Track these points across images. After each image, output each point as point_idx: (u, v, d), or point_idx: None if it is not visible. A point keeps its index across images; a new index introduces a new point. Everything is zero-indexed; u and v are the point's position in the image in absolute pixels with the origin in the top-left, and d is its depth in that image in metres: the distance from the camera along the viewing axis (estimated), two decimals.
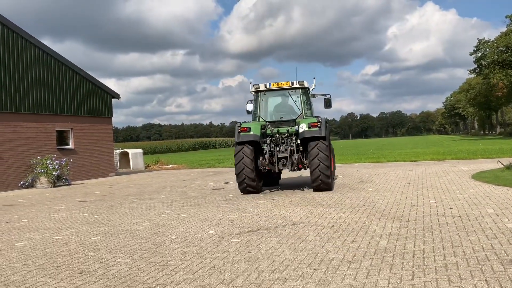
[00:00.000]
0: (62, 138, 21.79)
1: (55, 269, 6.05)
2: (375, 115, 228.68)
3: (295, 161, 12.68)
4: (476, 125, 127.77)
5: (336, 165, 24.00)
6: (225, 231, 7.98)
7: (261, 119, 13.48)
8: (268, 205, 10.80)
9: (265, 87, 13.59)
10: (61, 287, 5.27)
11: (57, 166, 19.24)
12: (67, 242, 7.78)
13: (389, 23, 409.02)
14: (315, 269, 5.46)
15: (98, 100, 23.74)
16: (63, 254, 6.91)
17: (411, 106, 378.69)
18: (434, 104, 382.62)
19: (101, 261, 6.36)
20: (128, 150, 31.04)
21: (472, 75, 74.78)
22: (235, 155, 12.61)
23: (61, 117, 21.40)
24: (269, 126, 13.18)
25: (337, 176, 17.18)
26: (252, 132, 12.49)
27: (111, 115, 24.68)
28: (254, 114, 13.67)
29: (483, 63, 63.78)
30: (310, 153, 12.23)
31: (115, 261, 6.35)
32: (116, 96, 25.04)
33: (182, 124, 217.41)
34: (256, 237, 7.35)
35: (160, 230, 8.38)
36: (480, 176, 14.56)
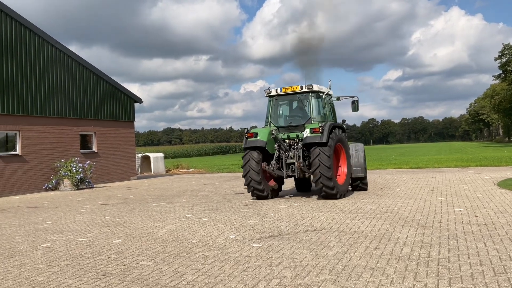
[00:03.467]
0: (85, 141, 22.15)
1: (78, 271, 6.13)
2: (397, 121, 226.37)
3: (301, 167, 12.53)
4: (500, 132, 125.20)
5: None
6: (246, 236, 7.97)
7: (272, 124, 13.42)
8: (289, 210, 10.76)
9: (276, 92, 13.44)
10: None
11: (80, 169, 19.55)
12: (90, 244, 7.88)
13: (413, 29, 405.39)
14: (337, 276, 5.41)
15: (121, 105, 24.06)
16: (87, 256, 7.00)
17: (434, 112, 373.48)
18: (458, 110, 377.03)
19: (123, 264, 6.42)
20: (149, 154, 31.37)
21: (497, 81, 73.44)
22: (242, 158, 12.76)
23: (85, 121, 21.76)
24: (274, 131, 12.65)
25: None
26: (258, 138, 12.54)
27: (133, 119, 24.98)
28: (266, 119, 13.64)
29: (508, 68, 62.60)
30: (311, 160, 11.96)
31: (138, 263, 6.40)
32: (139, 100, 25.34)
33: (203, 128, 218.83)
34: (277, 243, 7.32)
35: (181, 234, 8.42)
36: (506, 184, 14.24)
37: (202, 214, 10.81)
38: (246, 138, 12.77)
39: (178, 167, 32.80)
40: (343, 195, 12.54)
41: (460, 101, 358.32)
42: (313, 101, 13.17)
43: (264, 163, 12.49)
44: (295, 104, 13.84)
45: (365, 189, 14.10)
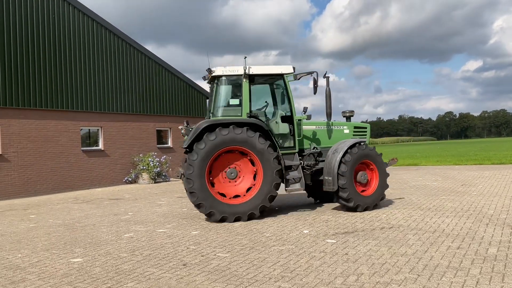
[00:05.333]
0: (161, 137, 23.06)
1: (160, 260, 6.41)
2: (476, 114, 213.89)
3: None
4: None
5: (435, 167, 22.81)
6: (320, 231, 7.91)
7: None
8: None
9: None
10: (166, 278, 5.56)
11: (157, 163, 20.41)
12: (169, 235, 8.20)
13: (495, 16, 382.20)
14: (418, 275, 5.22)
15: (194, 101, 24.78)
16: (167, 246, 7.29)
17: None
18: None
19: (202, 255, 6.61)
20: None
21: None
22: None
23: (161, 117, 22.63)
24: (183, 128, 10.28)
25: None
26: (186, 137, 9.96)
27: (205, 115, 25.58)
28: None
29: None
30: None
31: (215, 255, 6.57)
32: None
33: None
34: (353, 239, 7.20)
35: (255, 227, 8.53)
36: None
37: (274, 208, 10.87)
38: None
39: None
40: (235, 218, 9.17)
41: None
42: (217, 89, 10.08)
43: (170, 169, 10.10)
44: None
45: (351, 209, 9.72)
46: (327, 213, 9.75)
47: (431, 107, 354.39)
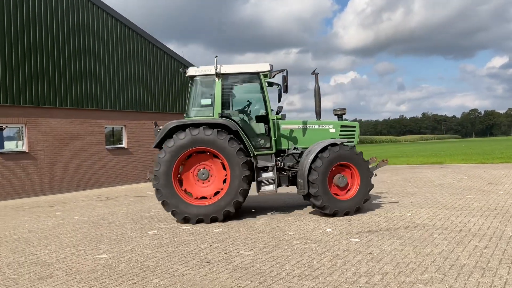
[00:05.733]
0: None
1: (184, 257, 6.46)
2: (502, 111, 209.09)
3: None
4: None
5: (460, 165, 22.42)
6: (343, 230, 7.87)
7: None
8: (386, 205, 10.43)
9: None
10: (190, 274, 5.61)
11: None
12: (193, 232, 8.26)
13: None
14: (444, 275, 5.14)
15: None
16: (190, 243, 7.35)
17: None
18: None
19: (225, 252, 6.65)
20: None
21: None
22: None
23: (181, 115, 22.78)
24: (156, 127, 10.33)
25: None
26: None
27: None
28: None
29: None
30: None
31: (238, 252, 6.59)
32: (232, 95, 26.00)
33: None
34: (377, 238, 7.13)
35: (277, 226, 8.53)
36: None
37: (297, 206, 10.84)
38: None
39: None
40: (211, 218, 9.04)
41: None
42: (191, 89, 10.17)
43: (148, 171, 10.23)
44: None
45: (326, 213, 9.18)
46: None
47: (456, 104, 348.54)
